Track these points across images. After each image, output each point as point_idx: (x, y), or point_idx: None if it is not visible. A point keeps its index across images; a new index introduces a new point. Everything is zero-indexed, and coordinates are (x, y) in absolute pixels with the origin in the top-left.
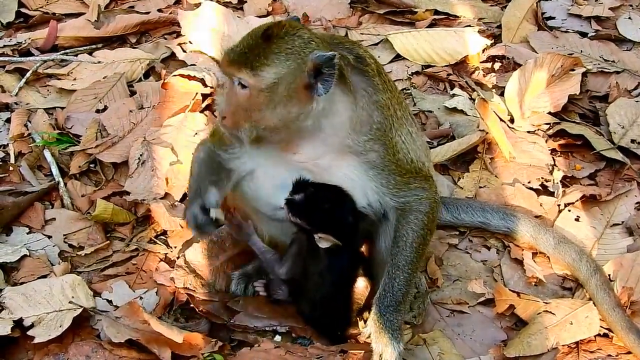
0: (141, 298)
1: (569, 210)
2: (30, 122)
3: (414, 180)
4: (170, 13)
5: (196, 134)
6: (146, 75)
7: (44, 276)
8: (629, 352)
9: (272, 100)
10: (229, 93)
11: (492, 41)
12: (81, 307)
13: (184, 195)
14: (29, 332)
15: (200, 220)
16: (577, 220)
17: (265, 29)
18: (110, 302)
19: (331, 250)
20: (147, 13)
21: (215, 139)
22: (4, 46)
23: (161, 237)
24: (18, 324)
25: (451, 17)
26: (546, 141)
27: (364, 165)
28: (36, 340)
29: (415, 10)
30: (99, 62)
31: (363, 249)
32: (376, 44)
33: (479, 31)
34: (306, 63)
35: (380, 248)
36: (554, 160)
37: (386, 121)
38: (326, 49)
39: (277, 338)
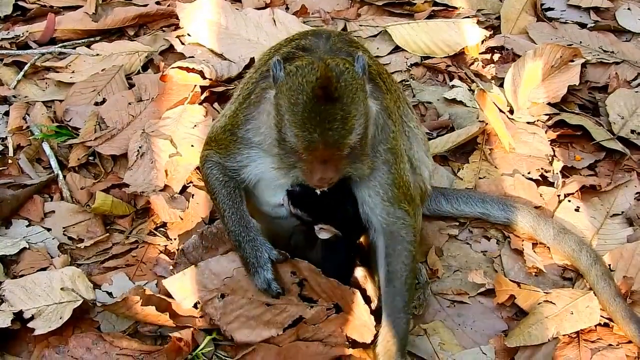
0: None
1: (569, 201)
2: (28, 115)
3: (404, 199)
4: (169, 5)
5: (195, 125)
6: (144, 67)
7: (44, 269)
8: (630, 342)
9: (366, 135)
10: (320, 163)
11: (491, 32)
12: (82, 298)
13: (184, 187)
14: (29, 325)
15: (274, 287)
16: (577, 210)
17: (322, 94)
18: (110, 294)
19: (329, 242)
20: (145, 5)
21: (220, 149)
22: (2, 39)
23: (161, 229)
24: (18, 316)
25: (450, 9)
26: (546, 132)
27: (372, 175)
28: (36, 333)
29: (414, 1)
30: (97, 54)
31: (362, 240)
32: (375, 36)
33: (477, 22)
34: (363, 83)
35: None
36: (553, 150)
37: (396, 128)
38: (347, 62)
39: None
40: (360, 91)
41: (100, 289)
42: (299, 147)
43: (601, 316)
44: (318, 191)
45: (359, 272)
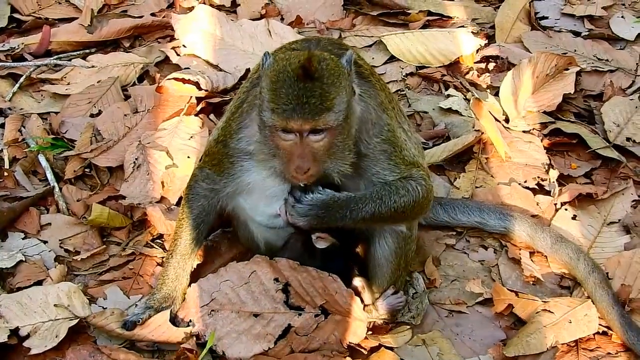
0: (136, 305)
1: (566, 209)
2: (24, 127)
3: (417, 170)
4: (164, 17)
5: (191, 137)
6: (140, 79)
7: (40, 281)
8: (628, 350)
9: (347, 126)
10: (297, 147)
11: (486, 41)
12: (77, 317)
13: (180, 199)
14: (25, 344)
15: (133, 317)
16: (573, 219)
17: (303, 71)
18: (104, 309)
19: (326, 251)
20: (141, 17)
21: (213, 164)
22: None
23: (157, 240)
24: (14, 332)
25: (444, 18)
26: (541, 140)
27: (371, 166)
28: (32, 352)
29: (408, 11)
30: (93, 66)
31: (359, 250)
32: (370, 46)
33: (472, 32)
34: (347, 74)
35: (376, 252)
36: (549, 159)
37: (392, 121)
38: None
39: None
40: (343, 79)
41: (96, 304)
42: (276, 122)
43: (599, 324)
44: (300, 185)
45: (357, 282)
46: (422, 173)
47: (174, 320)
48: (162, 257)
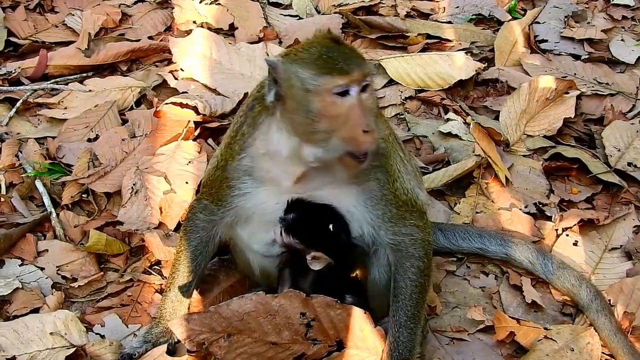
0: (135, 335)
1: (567, 235)
2: (21, 152)
3: (410, 215)
4: (161, 40)
5: (189, 162)
6: (138, 103)
7: (37, 309)
8: None
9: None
10: (356, 108)
11: (485, 65)
12: (74, 346)
13: (178, 224)
14: None
15: (130, 349)
16: (575, 244)
17: (331, 39)
18: (102, 337)
19: (321, 274)
20: (138, 40)
21: (210, 194)
22: None
23: (155, 267)
24: None
25: (443, 41)
26: (542, 165)
27: (363, 195)
28: None
29: (407, 34)
30: (90, 90)
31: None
32: None
33: (471, 55)
34: None
35: (374, 279)
36: (550, 184)
37: (386, 147)
38: None
39: None
40: None
41: (93, 332)
42: (337, 81)
43: (602, 352)
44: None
45: (348, 300)
46: (416, 222)
47: (172, 352)
48: (161, 284)
